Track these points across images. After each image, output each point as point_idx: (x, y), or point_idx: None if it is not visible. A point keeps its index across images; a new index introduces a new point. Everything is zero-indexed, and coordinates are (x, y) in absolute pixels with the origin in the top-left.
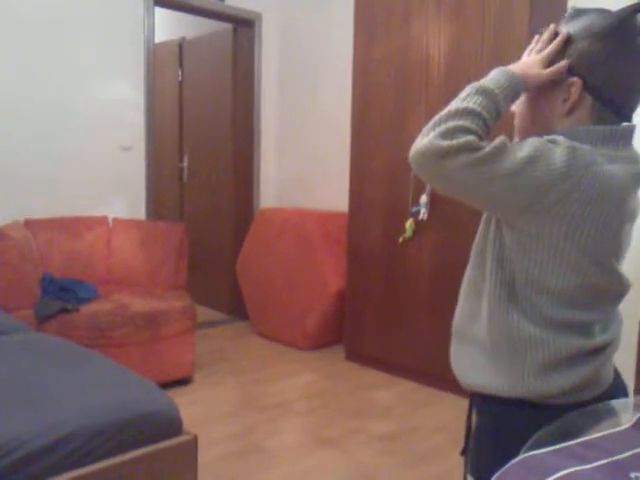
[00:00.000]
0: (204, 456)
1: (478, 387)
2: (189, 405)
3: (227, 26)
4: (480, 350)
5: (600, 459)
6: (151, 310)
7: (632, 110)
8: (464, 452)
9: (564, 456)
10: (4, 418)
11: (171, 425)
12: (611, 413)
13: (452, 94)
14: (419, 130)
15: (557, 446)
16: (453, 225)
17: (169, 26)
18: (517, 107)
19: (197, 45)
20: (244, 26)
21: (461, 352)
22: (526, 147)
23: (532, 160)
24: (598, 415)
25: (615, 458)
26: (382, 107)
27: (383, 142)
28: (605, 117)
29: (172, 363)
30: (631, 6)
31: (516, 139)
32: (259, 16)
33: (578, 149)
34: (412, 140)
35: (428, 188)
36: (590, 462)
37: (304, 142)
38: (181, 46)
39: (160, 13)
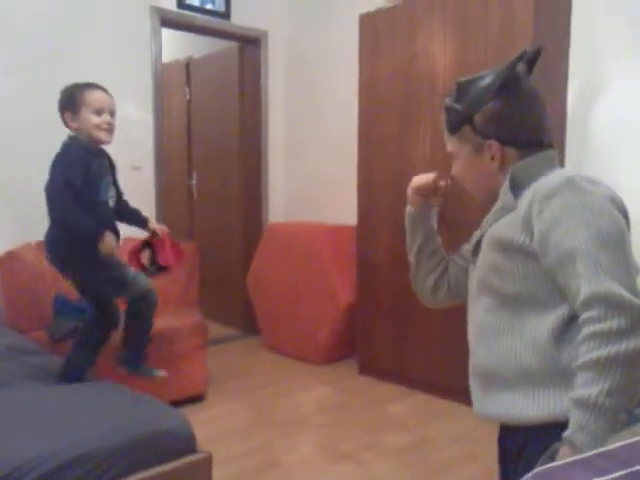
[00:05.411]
0: (219, 474)
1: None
2: (203, 422)
3: (233, 44)
4: (524, 383)
5: (618, 470)
6: (163, 327)
7: (549, 135)
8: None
9: (579, 468)
10: (15, 442)
11: (185, 443)
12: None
13: None
14: (425, 141)
15: (572, 458)
16: (463, 235)
17: (176, 45)
18: (456, 173)
19: (204, 64)
20: (250, 44)
21: (494, 394)
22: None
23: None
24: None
25: (634, 469)
26: (388, 120)
27: (390, 155)
28: (533, 152)
29: (185, 380)
30: (514, 58)
31: (478, 198)
32: (265, 34)
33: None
34: (418, 152)
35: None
36: (607, 473)
37: (311, 157)
38: (188, 65)
39: (167, 32)
